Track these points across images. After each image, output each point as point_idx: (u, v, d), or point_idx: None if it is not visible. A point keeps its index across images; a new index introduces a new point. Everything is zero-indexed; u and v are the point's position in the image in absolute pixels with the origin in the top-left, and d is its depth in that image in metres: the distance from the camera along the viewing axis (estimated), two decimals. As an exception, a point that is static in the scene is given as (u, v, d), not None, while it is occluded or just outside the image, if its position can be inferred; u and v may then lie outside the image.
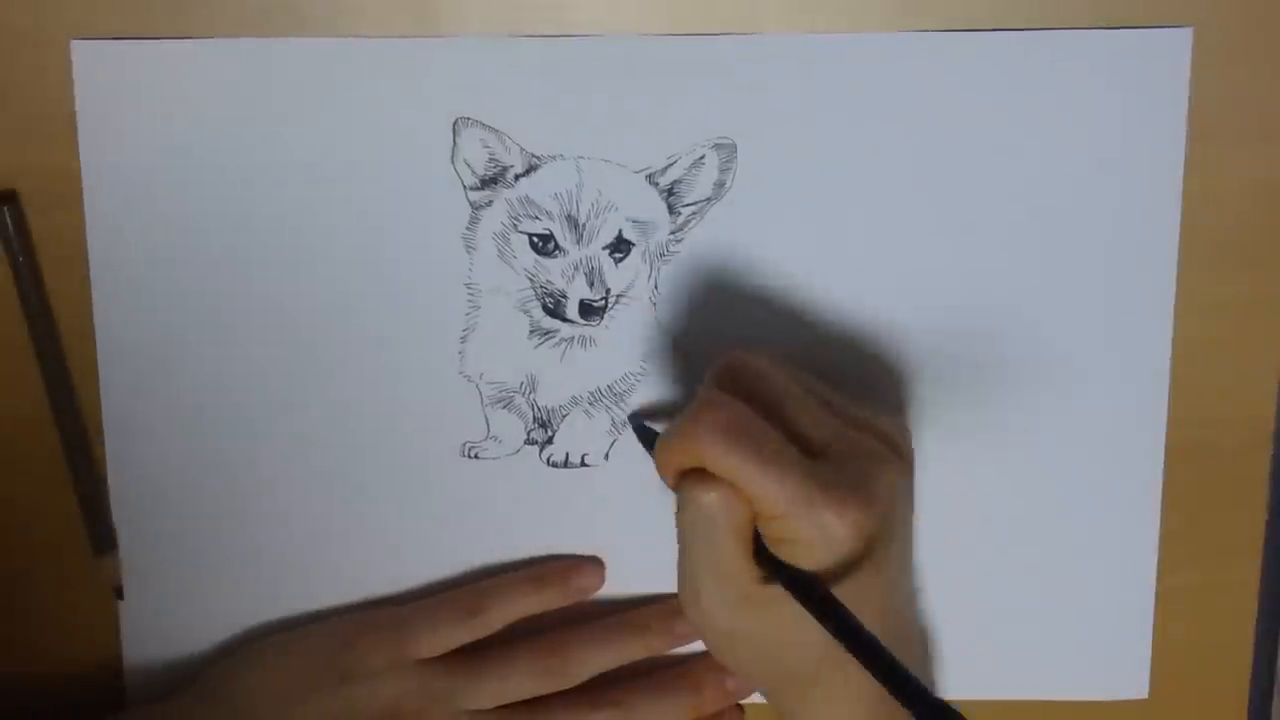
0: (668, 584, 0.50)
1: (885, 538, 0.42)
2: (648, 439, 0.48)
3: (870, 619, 0.40)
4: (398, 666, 0.48)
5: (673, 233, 0.48)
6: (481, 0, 0.47)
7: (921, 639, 0.51)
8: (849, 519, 0.40)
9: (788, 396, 0.43)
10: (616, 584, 0.51)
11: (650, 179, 0.48)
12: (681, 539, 0.43)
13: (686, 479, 0.41)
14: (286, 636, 0.50)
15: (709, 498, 0.41)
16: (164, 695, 0.50)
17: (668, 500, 0.47)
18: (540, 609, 0.50)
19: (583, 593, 0.51)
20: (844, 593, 0.40)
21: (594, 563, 0.51)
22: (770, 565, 0.41)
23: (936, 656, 0.52)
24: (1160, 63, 0.47)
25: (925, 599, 0.51)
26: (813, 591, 0.40)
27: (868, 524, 0.40)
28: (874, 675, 0.38)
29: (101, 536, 0.50)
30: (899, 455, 0.44)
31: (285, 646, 0.50)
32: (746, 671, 0.46)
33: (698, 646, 0.51)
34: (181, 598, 0.51)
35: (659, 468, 0.43)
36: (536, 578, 0.50)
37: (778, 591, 0.41)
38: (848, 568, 0.41)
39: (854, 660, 0.39)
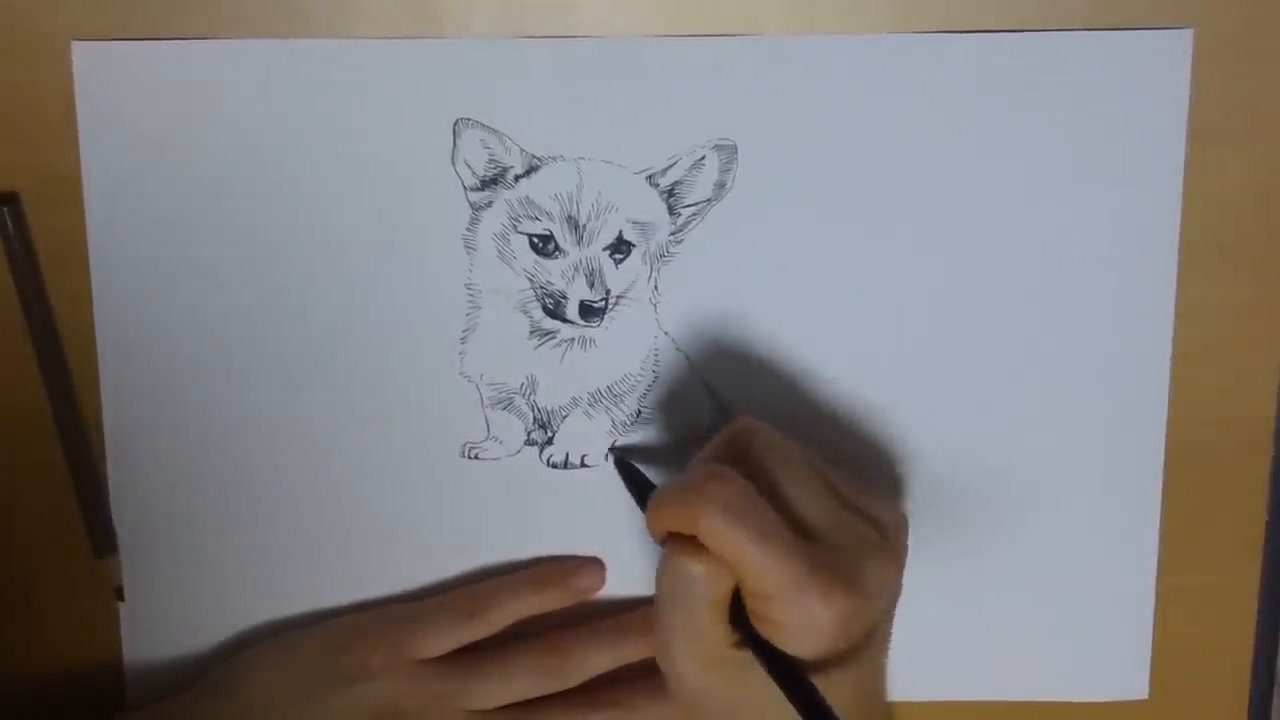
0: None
1: (869, 629, 0.42)
2: (632, 479, 0.49)
3: (844, 704, 0.40)
4: (399, 666, 0.48)
5: (673, 234, 0.48)
6: (482, 1, 0.47)
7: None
8: (836, 610, 0.40)
9: (790, 475, 0.42)
10: (616, 584, 0.51)
11: (651, 180, 0.48)
12: (660, 597, 0.43)
13: (673, 542, 0.41)
14: (289, 637, 0.50)
15: (696, 569, 0.41)
16: (165, 696, 0.50)
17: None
18: (541, 609, 0.50)
19: (583, 593, 0.51)
20: (820, 678, 0.40)
21: (594, 563, 0.51)
22: (746, 634, 0.41)
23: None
24: (1160, 63, 0.47)
25: (926, 599, 0.51)
26: (786, 667, 0.40)
27: (855, 617, 0.40)
28: None
29: (102, 539, 0.50)
30: (893, 547, 0.43)
31: (287, 646, 0.50)
32: None
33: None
34: (182, 599, 0.51)
35: (649, 523, 0.42)
36: (537, 578, 0.50)
37: (750, 657, 0.41)
38: (827, 656, 0.41)
39: None
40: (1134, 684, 0.52)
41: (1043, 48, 0.47)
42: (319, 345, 0.49)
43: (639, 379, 0.50)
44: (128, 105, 0.47)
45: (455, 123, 0.47)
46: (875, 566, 0.41)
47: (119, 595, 0.51)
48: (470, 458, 0.50)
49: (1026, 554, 0.51)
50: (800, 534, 0.41)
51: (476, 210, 0.48)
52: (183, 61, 0.47)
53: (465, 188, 0.48)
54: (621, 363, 0.50)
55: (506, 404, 0.50)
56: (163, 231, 0.48)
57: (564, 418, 0.50)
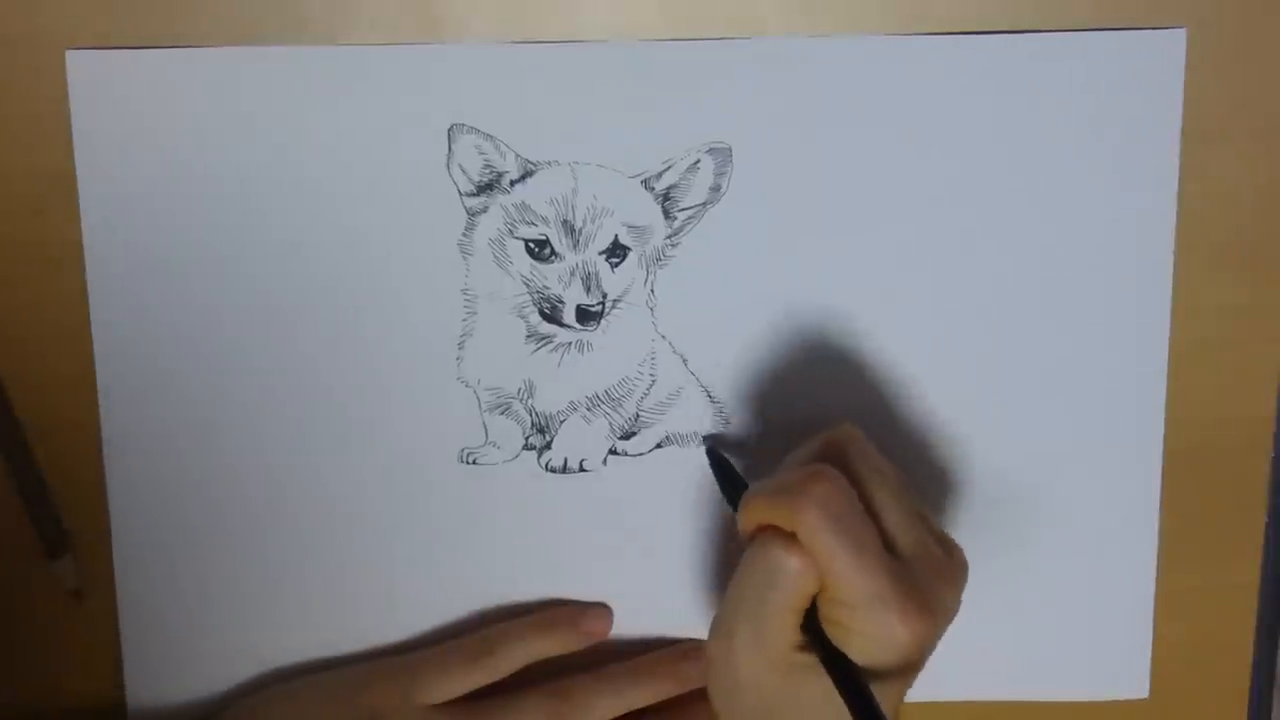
0: (668, 583, 0.51)
1: (932, 649, 0.42)
2: (724, 473, 0.48)
3: (891, 716, 0.40)
4: (409, 712, 0.48)
5: (669, 237, 0.48)
6: (478, 6, 0.47)
7: None
8: (914, 627, 0.40)
9: (881, 486, 0.42)
10: (617, 584, 0.51)
11: (646, 184, 0.48)
12: (740, 580, 0.43)
13: (768, 534, 0.41)
14: (297, 683, 0.50)
15: (791, 564, 0.41)
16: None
17: (666, 504, 0.47)
18: (549, 654, 0.50)
19: (591, 637, 0.51)
20: (881, 691, 0.40)
21: (602, 608, 0.51)
22: (816, 639, 0.41)
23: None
24: (1154, 64, 0.47)
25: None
26: (851, 676, 0.40)
27: (928, 636, 0.41)
28: None
29: (54, 541, 0.50)
30: (959, 572, 0.43)
31: (296, 693, 0.50)
32: None
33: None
34: (181, 597, 0.51)
35: (742, 518, 0.43)
36: (545, 623, 0.50)
37: (810, 662, 0.41)
38: (895, 671, 0.41)
39: None
40: (1134, 684, 0.52)
41: (1036, 49, 0.47)
42: (315, 351, 0.49)
43: (636, 382, 0.50)
44: (122, 113, 0.47)
45: (450, 128, 0.47)
46: (946, 589, 0.42)
47: (76, 597, 0.51)
48: (469, 463, 0.50)
49: (1026, 554, 0.51)
50: (886, 547, 0.41)
51: (472, 215, 0.48)
52: (178, 70, 0.47)
53: (461, 193, 0.48)
54: (619, 366, 0.50)
55: (504, 409, 0.50)
56: (159, 238, 0.48)
57: (562, 422, 0.50)
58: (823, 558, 0.40)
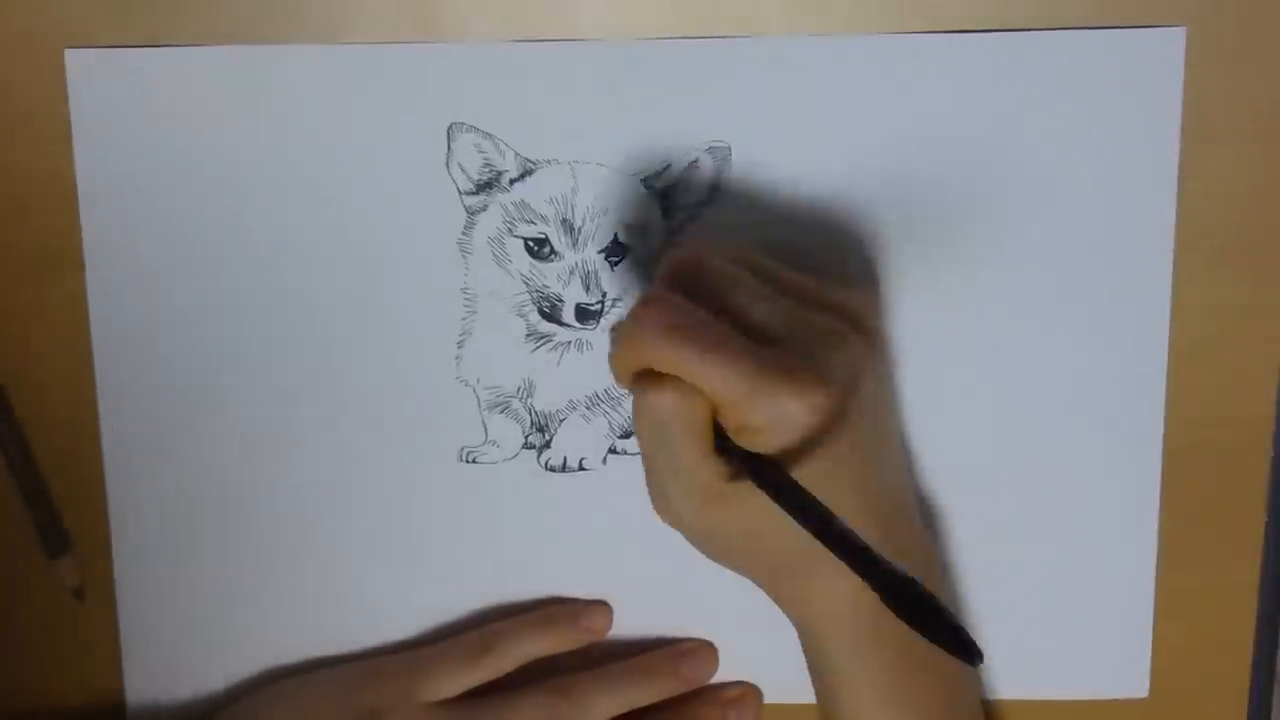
0: (668, 583, 0.50)
1: (851, 414, 0.41)
2: None
3: (846, 498, 0.39)
4: (409, 710, 0.48)
5: (668, 237, 0.48)
6: (478, 5, 0.47)
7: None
8: (801, 395, 0.39)
9: (737, 285, 0.42)
10: (617, 585, 0.51)
11: (645, 183, 0.48)
12: (641, 443, 0.43)
13: (639, 381, 0.41)
14: (298, 681, 0.50)
15: (661, 399, 0.40)
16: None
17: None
18: (550, 651, 0.50)
19: (591, 635, 0.51)
20: (812, 473, 0.40)
21: (602, 605, 0.51)
22: (731, 454, 0.41)
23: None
24: (1153, 62, 0.47)
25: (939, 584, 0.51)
26: (777, 478, 0.40)
27: (824, 400, 0.40)
28: (845, 562, 0.37)
29: (54, 540, 0.50)
30: (861, 329, 0.43)
31: (297, 691, 0.50)
32: (734, 566, 0.46)
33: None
34: (181, 597, 0.51)
35: (614, 375, 0.42)
36: (545, 620, 0.50)
37: (744, 486, 0.41)
38: (810, 446, 0.40)
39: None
40: (1134, 684, 0.52)
41: (1036, 47, 0.47)
42: (315, 350, 0.49)
43: (636, 382, 0.50)
44: (122, 112, 0.47)
45: (449, 127, 0.47)
46: (841, 348, 0.41)
47: (77, 595, 0.51)
48: (468, 462, 0.50)
49: (1026, 554, 0.51)
50: (759, 339, 0.40)
51: (472, 214, 0.48)
52: (178, 68, 0.47)
53: (460, 192, 0.48)
54: (619, 366, 0.50)
55: (504, 408, 0.50)
56: (158, 237, 0.48)
57: (562, 421, 0.50)
58: (685, 373, 0.40)
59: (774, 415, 0.39)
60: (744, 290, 0.42)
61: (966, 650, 0.34)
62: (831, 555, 0.38)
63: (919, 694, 0.45)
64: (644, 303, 0.41)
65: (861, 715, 0.45)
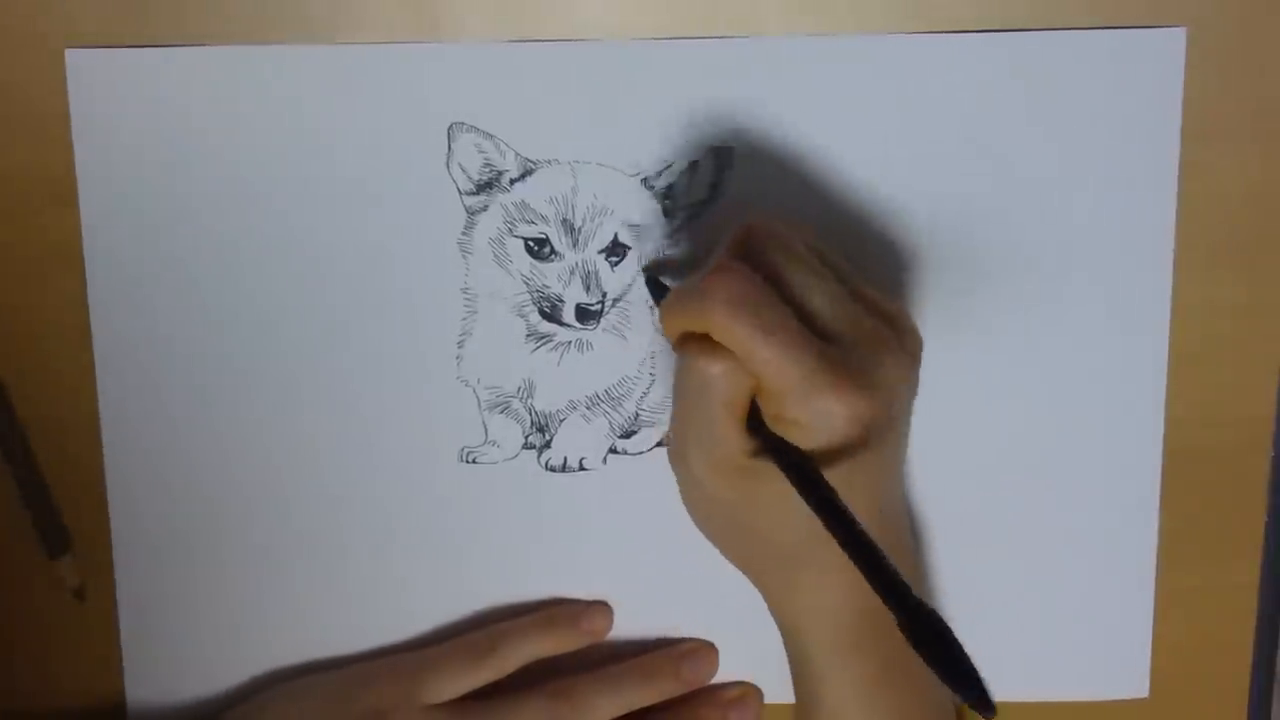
0: (668, 583, 0.50)
1: (883, 427, 0.41)
2: (658, 294, 0.47)
3: (861, 506, 0.39)
4: (410, 711, 0.48)
5: (669, 236, 0.48)
6: (477, 6, 0.47)
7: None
8: (850, 404, 0.39)
9: (804, 270, 0.41)
10: (617, 585, 0.51)
11: (645, 183, 0.48)
12: (677, 400, 0.42)
13: (690, 344, 0.41)
14: (299, 683, 0.50)
15: (713, 370, 0.40)
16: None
17: (666, 503, 0.47)
18: (550, 652, 0.50)
19: (592, 636, 0.51)
20: (836, 477, 0.40)
21: (603, 606, 0.51)
22: (762, 437, 0.41)
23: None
24: (1154, 63, 0.47)
25: (925, 599, 0.51)
26: (802, 469, 0.40)
27: (868, 412, 0.40)
28: (854, 562, 0.37)
29: (54, 539, 0.50)
30: (906, 345, 0.43)
31: (297, 693, 0.50)
32: (729, 548, 0.46)
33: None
34: (181, 597, 0.51)
35: (664, 328, 0.42)
36: (546, 621, 0.50)
37: (766, 466, 0.41)
38: (842, 453, 0.40)
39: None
40: (1134, 683, 0.52)
41: (1036, 47, 0.47)
42: (315, 350, 0.49)
43: (636, 381, 0.50)
44: (123, 111, 0.47)
45: (450, 127, 0.47)
46: (888, 362, 0.41)
47: (78, 595, 0.51)
48: (469, 462, 0.50)
49: (1026, 554, 0.51)
50: (815, 330, 0.40)
51: (472, 214, 0.48)
52: (178, 68, 0.47)
53: (460, 192, 0.48)
54: (619, 365, 0.50)
55: (504, 408, 0.50)
56: (159, 236, 0.48)
57: (562, 421, 0.50)
58: (741, 351, 0.39)
59: (817, 416, 0.39)
60: (810, 277, 0.41)
61: (981, 702, 0.34)
62: (828, 551, 0.38)
63: (899, 696, 0.45)
64: (717, 270, 0.40)
65: (841, 716, 0.45)
